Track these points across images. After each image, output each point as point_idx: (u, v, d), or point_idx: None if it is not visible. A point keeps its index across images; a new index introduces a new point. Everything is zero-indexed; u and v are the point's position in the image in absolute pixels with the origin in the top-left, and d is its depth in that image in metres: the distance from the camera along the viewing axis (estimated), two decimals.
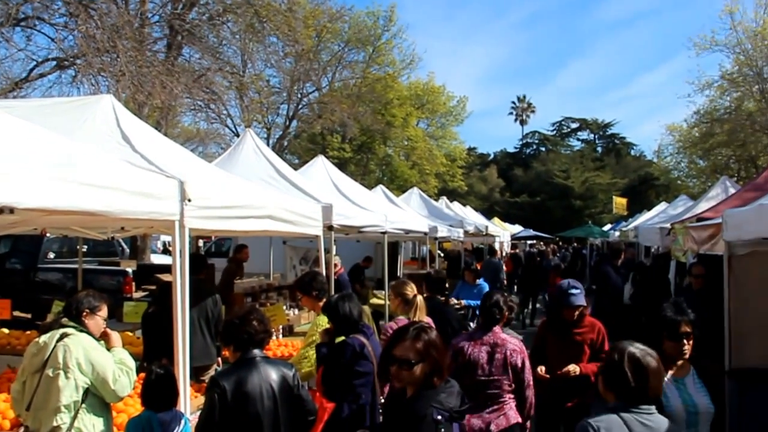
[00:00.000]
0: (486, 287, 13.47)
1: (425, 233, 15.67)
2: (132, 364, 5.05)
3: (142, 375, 5.32)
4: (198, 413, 4.84)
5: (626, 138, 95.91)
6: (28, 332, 9.43)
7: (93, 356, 4.78)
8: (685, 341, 4.44)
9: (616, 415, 3.58)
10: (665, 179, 56.74)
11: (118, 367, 4.89)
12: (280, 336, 10.02)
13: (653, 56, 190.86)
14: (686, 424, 4.31)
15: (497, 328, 6.29)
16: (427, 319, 7.03)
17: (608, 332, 6.84)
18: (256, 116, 32.36)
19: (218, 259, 19.72)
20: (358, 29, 38.70)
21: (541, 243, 48.53)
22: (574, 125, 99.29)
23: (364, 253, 17.99)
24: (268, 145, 24.72)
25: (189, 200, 5.22)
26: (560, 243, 51.21)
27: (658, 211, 26.02)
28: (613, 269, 14.80)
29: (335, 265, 11.46)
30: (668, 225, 14.48)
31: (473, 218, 27.86)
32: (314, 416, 5.04)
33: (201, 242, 24.70)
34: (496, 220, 43.07)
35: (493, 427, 5.97)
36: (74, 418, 4.69)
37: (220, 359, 8.38)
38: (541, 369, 6.56)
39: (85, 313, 5.02)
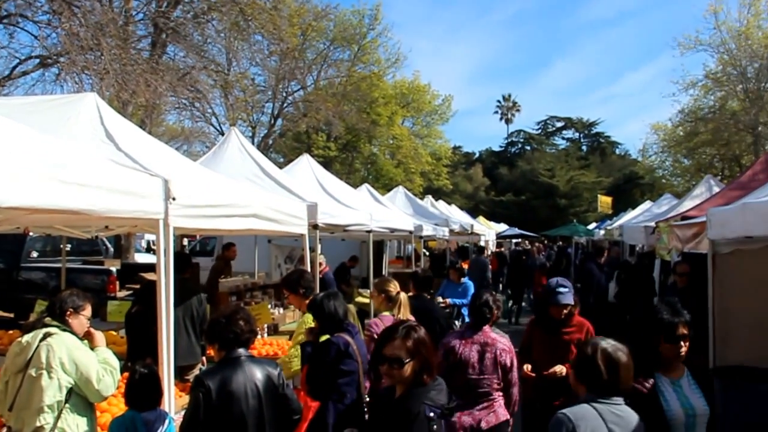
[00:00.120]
0: (471, 286, 13.49)
1: (410, 232, 15.68)
2: (116, 363, 5.03)
3: (126, 374, 5.29)
4: (183, 413, 4.82)
5: (611, 137, 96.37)
6: (11, 332, 9.39)
7: (76, 356, 4.75)
8: (682, 343, 4.34)
9: (588, 405, 3.76)
10: (650, 178, 56.99)
11: (102, 367, 4.86)
12: (265, 335, 9.99)
13: (638, 55, 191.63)
14: (685, 427, 4.27)
15: (487, 328, 6.37)
16: (410, 317, 7.06)
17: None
18: (241, 115, 32.38)
19: (203, 258, 19.71)
20: (344, 28, 38.67)
21: (527, 242, 48.63)
22: (559, 124, 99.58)
23: (350, 252, 17.98)
24: (253, 143, 24.66)
25: (173, 199, 5.20)
26: (546, 242, 51.30)
27: (642, 210, 26.10)
28: (596, 267, 14.86)
29: (320, 264, 11.45)
30: (653, 224, 14.54)
31: (458, 217, 27.88)
32: (299, 415, 5.03)
33: (186, 241, 24.62)
34: (481, 218, 43.13)
35: (483, 424, 6.04)
36: (58, 418, 4.66)
37: (204, 358, 8.36)
38: (527, 368, 6.57)
39: (68, 313, 4.99)
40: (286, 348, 8.81)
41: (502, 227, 51.87)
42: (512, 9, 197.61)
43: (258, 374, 4.64)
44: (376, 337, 6.48)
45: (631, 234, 19.75)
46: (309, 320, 6.36)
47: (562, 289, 6.53)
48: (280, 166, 14.74)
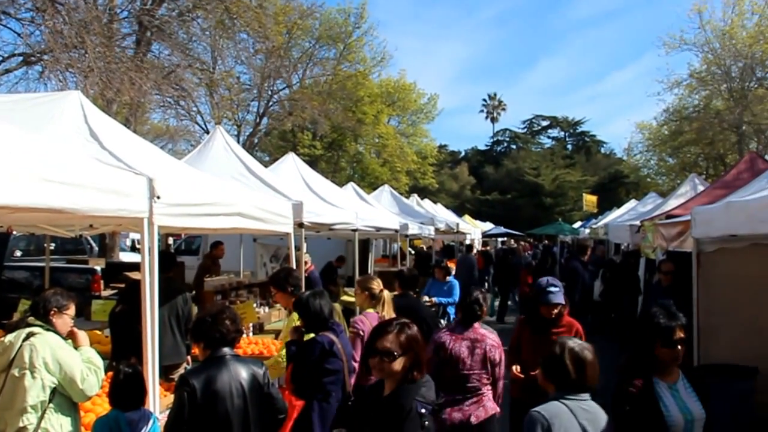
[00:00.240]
0: (456, 284, 13.52)
1: (396, 231, 15.68)
2: (100, 362, 5.00)
3: (111, 374, 5.27)
4: (167, 412, 4.80)
5: (596, 136, 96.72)
6: None
7: (60, 355, 4.72)
8: (679, 347, 4.27)
9: (559, 402, 3.94)
10: (635, 177, 57.24)
11: (86, 366, 4.83)
12: (251, 334, 9.97)
13: (623, 55, 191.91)
14: None
15: (477, 324, 6.48)
16: (393, 314, 7.11)
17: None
18: (226, 113, 32.25)
19: (188, 256, 19.65)
20: (329, 26, 38.58)
21: (512, 240, 48.75)
22: (544, 123, 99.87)
23: (335, 251, 17.97)
24: (238, 142, 24.65)
25: (158, 197, 5.18)
26: (531, 240, 51.43)
27: (627, 209, 26.22)
28: (581, 265, 14.93)
29: (306, 262, 11.44)
30: (638, 222, 14.61)
31: (444, 216, 27.92)
32: (284, 415, 5.02)
33: (171, 240, 24.57)
34: (467, 217, 43.17)
35: (473, 418, 6.14)
36: (41, 418, 4.62)
37: (189, 357, 8.33)
38: (516, 369, 6.57)
39: (52, 312, 4.96)
40: (271, 347, 8.81)
41: (488, 226, 51.90)
42: (498, 8, 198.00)
43: (243, 373, 4.62)
44: (362, 334, 6.62)
45: (616, 233, 19.84)
46: (296, 319, 6.36)
47: (552, 289, 6.52)
48: (266, 164, 14.72)
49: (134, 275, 10.75)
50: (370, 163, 44.59)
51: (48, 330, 4.83)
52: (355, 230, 12.25)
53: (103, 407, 5.56)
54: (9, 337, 4.78)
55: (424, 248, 26.02)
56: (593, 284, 17.32)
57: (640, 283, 14.63)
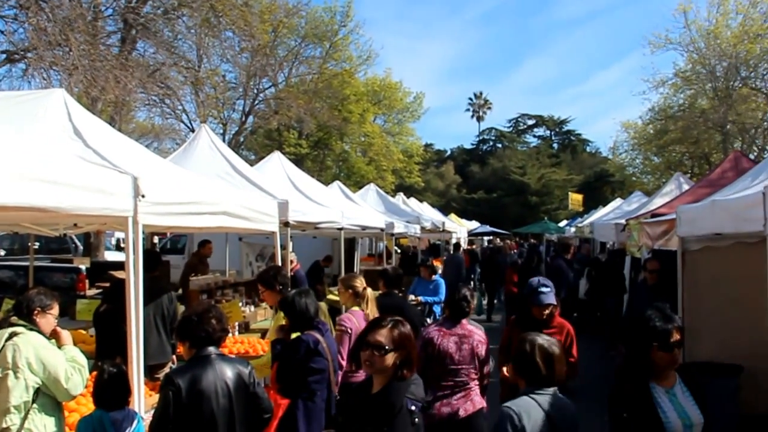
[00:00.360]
0: (442, 283, 13.52)
1: (382, 229, 15.67)
2: (84, 361, 4.97)
3: (96, 373, 5.24)
4: (153, 411, 4.78)
5: (582, 135, 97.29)
6: None
7: (44, 355, 4.69)
8: (676, 350, 4.15)
9: (528, 397, 4.08)
10: (620, 176, 57.39)
11: (70, 365, 4.80)
12: (236, 333, 9.95)
13: (608, 54, 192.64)
14: None
15: (465, 320, 6.56)
16: (377, 312, 7.19)
17: None
18: (211, 112, 32.18)
19: (173, 255, 19.59)
20: (315, 25, 38.49)
21: (498, 239, 48.86)
22: (530, 122, 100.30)
23: (321, 250, 17.96)
24: (224, 140, 24.53)
25: (142, 196, 5.16)
26: (517, 239, 51.59)
27: (613, 207, 26.34)
28: (565, 263, 14.99)
29: (291, 261, 11.43)
30: (623, 221, 14.66)
31: (430, 214, 27.95)
32: (270, 414, 5.01)
33: (156, 239, 24.48)
34: (452, 216, 43.22)
35: (461, 412, 6.19)
36: (24, 418, 4.59)
37: (174, 357, 8.30)
38: (508, 369, 6.51)
39: (36, 312, 4.93)
40: (257, 346, 8.80)
41: (474, 225, 52.01)
42: (484, 7, 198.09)
43: (228, 373, 4.61)
44: (349, 332, 6.73)
45: (601, 231, 19.90)
46: (283, 317, 6.36)
47: (544, 289, 6.48)
48: (252, 163, 14.67)
49: (119, 274, 10.72)
50: (356, 162, 44.55)
51: (31, 330, 4.80)
52: (340, 229, 12.23)
53: (88, 407, 5.52)
54: None
55: (412, 247, 26.00)
56: (579, 283, 17.38)
57: (625, 282, 14.68)
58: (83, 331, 9.29)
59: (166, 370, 7.80)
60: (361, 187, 25.94)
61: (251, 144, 40.99)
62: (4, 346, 4.64)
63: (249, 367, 4.83)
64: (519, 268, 17.93)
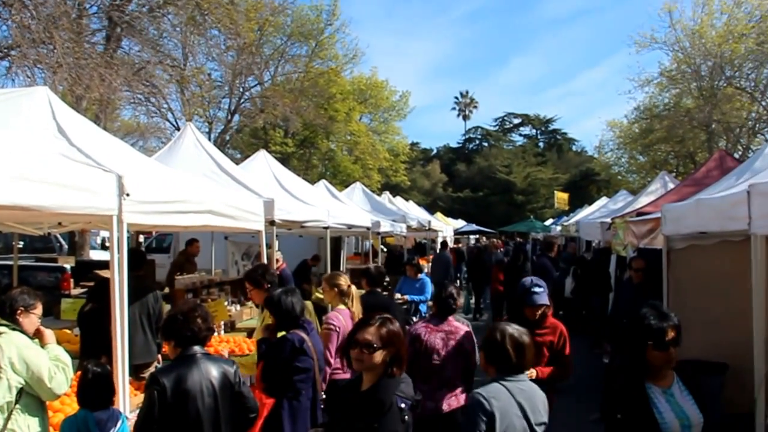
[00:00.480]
0: (428, 282, 13.56)
1: (368, 228, 15.67)
2: (68, 360, 4.93)
3: (80, 373, 5.20)
4: (138, 411, 4.75)
5: (568, 133, 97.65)
6: None
7: (27, 354, 4.65)
8: (672, 349, 4.07)
9: (498, 384, 4.23)
10: (606, 174, 57.57)
11: (54, 364, 4.77)
12: (222, 332, 9.92)
13: (594, 53, 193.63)
14: None
15: (451, 318, 6.70)
16: (360, 310, 7.35)
17: None
18: (197, 110, 32.01)
19: (159, 254, 19.52)
20: (301, 23, 38.40)
21: (484, 238, 48.95)
22: (516, 121, 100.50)
23: (307, 248, 17.93)
24: (209, 139, 24.48)
25: (127, 195, 5.14)
26: (503, 238, 51.69)
27: (598, 206, 26.41)
28: (550, 261, 15.03)
29: (277, 260, 11.40)
30: (609, 219, 14.71)
31: (416, 213, 27.96)
32: (256, 413, 5.00)
33: (142, 238, 24.38)
34: (438, 215, 43.26)
35: (445, 406, 6.27)
36: (8, 419, 4.55)
37: (160, 356, 8.27)
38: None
39: (19, 312, 4.89)
40: (243, 345, 8.78)
41: (460, 223, 52.10)
42: (470, 6, 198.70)
43: (214, 372, 4.60)
44: (337, 330, 6.78)
45: (587, 230, 19.96)
46: (270, 317, 6.35)
47: (537, 289, 6.38)
48: (238, 162, 14.61)
49: (104, 273, 10.66)
50: (342, 161, 44.51)
51: (14, 329, 4.76)
52: (326, 228, 12.22)
53: (73, 407, 5.49)
54: None
55: (399, 246, 26.03)
56: (565, 281, 17.41)
57: (611, 280, 14.73)
58: (68, 331, 9.23)
59: (152, 369, 7.76)
60: (347, 186, 25.92)
61: (237, 143, 40.85)
62: None
63: (234, 366, 4.82)
64: (505, 267, 17.98)
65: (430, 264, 23.03)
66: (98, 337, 6.28)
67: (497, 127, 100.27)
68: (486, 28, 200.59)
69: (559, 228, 35.14)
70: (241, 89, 35.42)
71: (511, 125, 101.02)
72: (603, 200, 28.92)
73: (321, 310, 9.40)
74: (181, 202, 6.31)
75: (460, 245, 39.23)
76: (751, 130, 35.12)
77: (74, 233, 19.43)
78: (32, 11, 16.30)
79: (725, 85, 33.71)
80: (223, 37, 26.11)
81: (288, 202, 10.84)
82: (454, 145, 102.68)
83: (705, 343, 7.88)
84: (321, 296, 12.61)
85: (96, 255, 22.90)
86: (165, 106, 29.98)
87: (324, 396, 6.08)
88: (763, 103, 33.11)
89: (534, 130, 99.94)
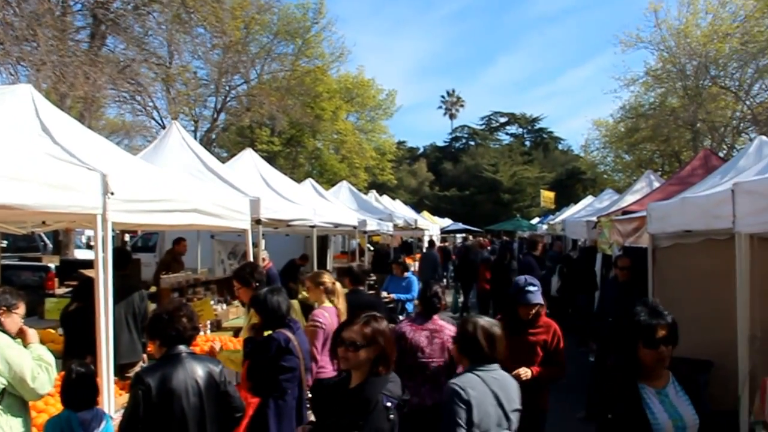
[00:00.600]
0: (414, 280, 13.56)
1: (354, 227, 15.66)
2: (51, 359, 4.89)
3: (64, 373, 5.17)
4: (123, 411, 4.73)
5: (554, 132, 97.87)
6: None
7: (9, 354, 4.61)
8: (663, 348, 3.93)
9: (472, 374, 4.46)
10: (592, 173, 57.79)
11: (37, 364, 4.73)
12: (208, 331, 9.88)
13: (580, 52, 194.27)
14: None
15: (436, 316, 6.78)
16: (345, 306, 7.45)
17: None
18: (183, 108, 31.95)
19: (145, 253, 19.43)
20: (287, 21, 38.32)
21: (470, 236, 49.02)
22: (502, 119, 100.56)
23: (294, 247, 17.90)
24: (195, 138, 24.42)
25: (112, 193, 5.12)
26: (489, 236, 51.76)
27: (584, 205, 26.50)
28: (534, 260, 15.07)
29: (263, 259, 11.37)
30: (594, 218, 14.74)
31: (402, 212, 27.99)
32: (242, 413, 4.98)
33: (127, 237, 24.28)
34: (425, 213, 43.30)
35: (428, 400, 6.28)
36: None
37: (145, 356, 8.24)
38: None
39: (1, 311, 4.85)
40: (229, 345, 8.73)
41: (446, 222, 52.16)
42: (456, 5, 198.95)
43: (199, 371, 4.59)
44: (324, 327, 6.85)
45: (573, 228, 20.00)
46: (256, 315, 6.34)
47: (531, 288, 6.26)
48: (224, 160, 14.56)
49: (89, 273, 10.60)
50: (328, 160, 44.46)
51: None
52: (313, 226, 12.21)
53: (57, 407, 5.45)
54: None
55: (386, 245, 26.02)
56: (551, 279, 17.44)
57: (596, 279, 14.77)
58: (52, 330, 9.17)
59: (137, 368, 7.72)
60: (333, 185, 25.91)
61: (223, 141, 40.76)
62: None
63: (220, 365, 4.80)
64: (491, 265, 17.99)
65: (418, 263, 23.05)
66: (83, 336, 6.24)
67: (484, 126, 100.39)
68: (472, 26, 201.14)
69: (545, 227, 35.21)
70: (227, 88, 35.36)
71: (498, 124, 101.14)
72: (589, 199, 29.04)
73: (308, 308, 9.36)
74: (167, 200, 6.29)
75: (446, 244, 39.22)
76: (736, 129, 35.28)
77: (59, 232, 19.33)
78: (15, 8, 16.23)
79: (710, 84, 33.88)
80: (208, 35, 26.08)
81: (274, 201, 10.83)
82: (440, 143, 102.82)
83: (689, 340, 7.86)
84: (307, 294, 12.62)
85: (81, 254, 22.80)
86: (150, 104, 29.85)
87: (310, 395, 6.07)
88: (748, 103, 33.29)
89: (520, 129, 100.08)
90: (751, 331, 5.74)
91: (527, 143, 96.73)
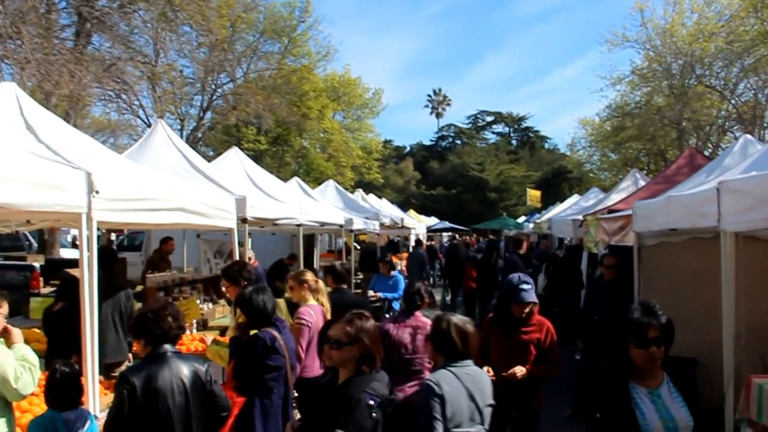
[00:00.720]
0: (401, 279, 13.57)
1: (341, 226, 15.65)
2: (35, 360, 4.86)
3: (47, 373, 5.14)
4: (108, 411, 4.70)
5: (540, 131, 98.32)
6: None
7: None
8: (654, 348, 3.82)
9: (446, 370, 4.60)
10: (578, 172, 58.00)
11: (20, 364, 4.69)
12: (194, 330, 9.85)
13: (567, 51, 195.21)
14: None
15: (418, 313, 6.95)
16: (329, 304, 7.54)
17: None
18: (169, 107, 31.78)
19: (131, 252, 19.37)
20: (274, 20, 38.23)
21: (457, 235, 49.08)
22: (489, 118, 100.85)
23: (280, 246, 17.89)
24: (181, 136, 24.33)
25: (97, 192, 5.07)
26: (474, 235, 51.85)
27: (570, 204, 26.58)
28: (519, 258, 15.11)
29: (249, 258, 11.35)
30: (580, 217, 14.78)
31: (389, 211, 28.00)
32: (227, 412, 4.96)
33: (113, 236, 24.19)
34: (411, 212, 43.34)
35: (413, 397, 6.24)
36: None
37: (130, 355, 8.21)
38: (488, 371, 6.04)
39: None
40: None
41: (433, 221, 52.20)
42: (443, 4, 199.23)
43: (185, 370, 4.56)
44: (310, 325, 6.91)
45: (559, 227, 20.06)
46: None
47: (525, 286, 6.19)
48: (210, 159, 14.53)
49: (75, 272, 10.55)
50: (315, 158, 44.39)
51: None
52: (299, 225, 12.19)
53: (41, 407, 5.42)
54: None
55: (373, 244, 26.04)
56: (537, 278, 17.48)
57: (582, 277, 14.79)
58: (37, 330, 9.12)
59: (123, 368, 7.70)
60: (320, 184, 25.88)
61: (209, 140, 40.62)
62: None
63: (205, 364, 4.78)
64: (478, 264, 18.02)
65: (406, 262, 23.07)
66: (68, 336, 6.20)
67: (470, 125, 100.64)
68: (459, 26, 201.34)
69: (531, 225, 35.31)
70: (213, 86, 35.25)
71: (484, 123, 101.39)
72: (575, 198, 29.11)
73: (294, 307, 9.37)
74: (152, 199, 6.25)
75: (433, 243, 39.28)
76: (721, 128, 35.49)
77: (44, 231, 19.25)
78: None
79: (696, 83, 34.04)
80: (194, 34, 26.02)
81: (260, 200, 10.80)
82: (427, 142, 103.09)
83: (675, 338, 7.93)
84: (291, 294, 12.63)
85: (66, 253, 22.68)
86: (136, 103, 29.66)
87: (296, 394, 6.06)
88: (733, 102, 33.48)
89: (507, 128, 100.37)
90: (736, 329, 5.76)
91: (514, 142, 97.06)
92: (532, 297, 6.19)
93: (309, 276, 7.68)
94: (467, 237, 44.09)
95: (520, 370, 6.04)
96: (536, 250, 21.49)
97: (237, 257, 9.24)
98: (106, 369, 7.04)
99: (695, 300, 7.75)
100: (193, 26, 24.49)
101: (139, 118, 32.29)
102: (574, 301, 14.36)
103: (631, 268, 8.88)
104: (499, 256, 27.88)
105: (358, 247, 25.50)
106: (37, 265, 15.29)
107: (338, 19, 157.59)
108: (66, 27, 20.85)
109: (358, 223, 17.57)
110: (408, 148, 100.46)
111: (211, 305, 11.88)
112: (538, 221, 31.57)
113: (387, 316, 12.31)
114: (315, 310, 7.25)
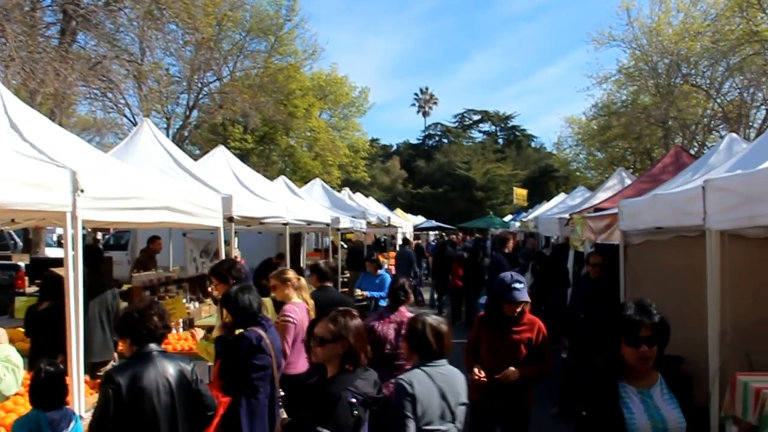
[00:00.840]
0: (388, 278, 13.55)
1: (327, 224, 15.64)
2: (19, 361, 4.83)
3: (32, 373, 5.11)
4: (93, 410, 4.68)
5: (527, 130, 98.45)
6: None
7: None
8: (645, 347, 3.68)
9: (419, 369, 4.70)
10: (564, 171, 58.11)
11: (3, 365, 4.67)
12: (180, 330, 9.81)
13: (554, 50, 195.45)
14: None
15: (403, 308, 7.04)
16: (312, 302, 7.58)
17: None
18: (155, 106, 31.65)
19: (117, 251, 19.30)
20: (260, 18, 38.12)
21: (443, 234, 49.12)
22: (476, 117, 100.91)
23: (267, 245, 17.87)
24: (168, 135, 24.26)
25: (81, 191, 5.05)
26: (460, 234, 51.90)
27: (557, 202, 26.63)
28: (504, 257, 15.14)
29: (235, 257, 11.32)
30: (567, 215, 14.80)
31: (376, 209, 28.01)
32: (213, 411, 4.94)
33: (99, 235, 24.10)
34: (398, 211, 43.39)
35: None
36: None
37: (116, 354, 8.17)
38: (479, 372, 6.12)
39: None
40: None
41: (420, 219, 52.21)
42: (429, 3, 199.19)
43: (170, 370, 4.54)
44: (295, 322, 6.93)
45: (545, 226, 20.10)
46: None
47: (517, 285, 6.08)
48: (196, 158, 14.48)
49: (60, 271, 10.50)
50: (301, 157, 44.34)
51: None
52: (285, 224, 12.17)
53: (26, 407, 5.38)
54: None
55: (361, 242, 26.05)
56: (524, 276, 17.51)
57: (569, 276, 14.82)
58: (22, 330, 9.08)
59: (109, 367, 7.66)
60: (306, 182, 25.86)
61: (196, 139, 40.50)
62: None
63: (191, 364, 4.76)
64: (464, 262, 18.06)
65: (394, 260, 23.09)
66: (53, 335, 6.17)
67: (457, 124, 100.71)
68: (445, 25, 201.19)
69: (518, 224, 35.37)
70: (199, 85, 35.12)
71: (471, 122, 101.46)
72: (561, 196, 29.18)
73: (280, 306, 9.36)
74: (138, 198, 6.23)
75: (419, 241, 39.32)
76: (707, 127, 35.63)
77: (29, 230, 19.16)
78: None
79: (681, 82, 34.17)
80: (180, 32, 25.95)
81: (247, 199, 10.79)
82: (413, 141, 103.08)
83: None
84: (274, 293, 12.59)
85: (52, 252, 22.58)
86: (122, 101, 29.65)
87: (282, 393, 6.05)
88: (718, 101, 33.63)
89: (493, 127, 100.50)
90: (721, 327, 5.80)
91: (500, 141, 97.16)
92: (524, 296, 6.08)
93: (290, 274, 7.72)
94: (454, 236, 44.13)
95: (513, 373, 5.96)
96: (523, 249, 21.51)
97: (223, 256, 9.21)
98: (92, 368, 7.01)
99: (681, 298, 7.77)
100: (179, 24, 24.41)
101: (125, 116, 32.22)
102: (561, 300, 14.39)
103: (617, 267, 8.90)
104: (485, 254, 27.92)
105: (345, 246, 25.51)
106: (22, 264, 15.23)
107: (324, 18, 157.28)
108: (51, 25, 20.77)
109: (345, 222, 17.57)
110: (395, 147, 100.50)
111: (197, 304, 11.84)
112: (524, 220, 31.64)
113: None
114: (300, 307, 7.26)
